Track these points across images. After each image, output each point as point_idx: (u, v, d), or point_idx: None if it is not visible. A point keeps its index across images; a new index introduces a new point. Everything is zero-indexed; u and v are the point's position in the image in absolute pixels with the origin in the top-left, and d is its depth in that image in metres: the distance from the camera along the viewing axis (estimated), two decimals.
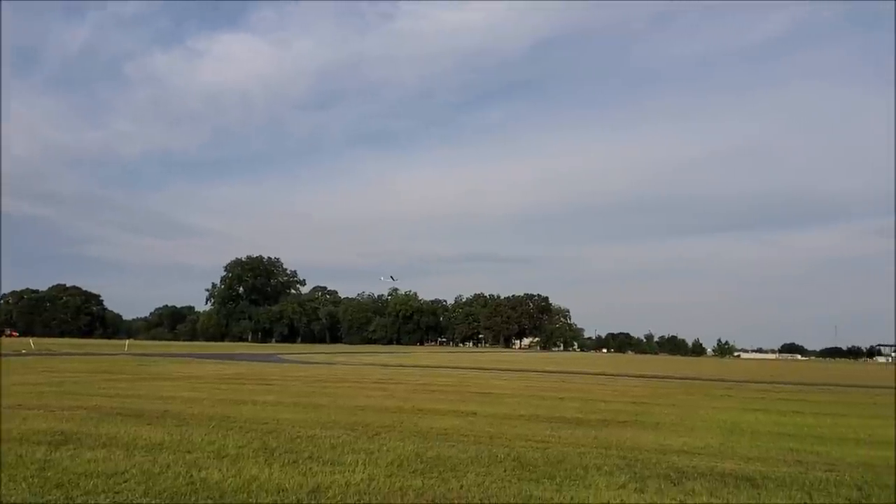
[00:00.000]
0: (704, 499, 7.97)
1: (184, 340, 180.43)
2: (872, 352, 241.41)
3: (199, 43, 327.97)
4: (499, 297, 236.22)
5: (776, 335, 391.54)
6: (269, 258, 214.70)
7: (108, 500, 7.17)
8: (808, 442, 13.07)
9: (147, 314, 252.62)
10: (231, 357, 55.48)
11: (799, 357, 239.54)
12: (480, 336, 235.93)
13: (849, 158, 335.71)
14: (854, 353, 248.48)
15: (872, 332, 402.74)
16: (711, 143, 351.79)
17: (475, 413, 15.97)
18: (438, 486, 8.11)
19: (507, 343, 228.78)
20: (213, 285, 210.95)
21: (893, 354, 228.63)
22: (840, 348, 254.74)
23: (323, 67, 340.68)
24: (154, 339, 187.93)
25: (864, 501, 8.11)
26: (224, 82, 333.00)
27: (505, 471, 9.12)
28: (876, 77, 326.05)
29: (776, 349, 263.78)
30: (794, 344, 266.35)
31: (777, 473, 9.66)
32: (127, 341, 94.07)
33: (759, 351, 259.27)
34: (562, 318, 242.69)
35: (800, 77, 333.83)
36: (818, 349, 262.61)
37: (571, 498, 7.78)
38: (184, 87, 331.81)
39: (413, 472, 8.90)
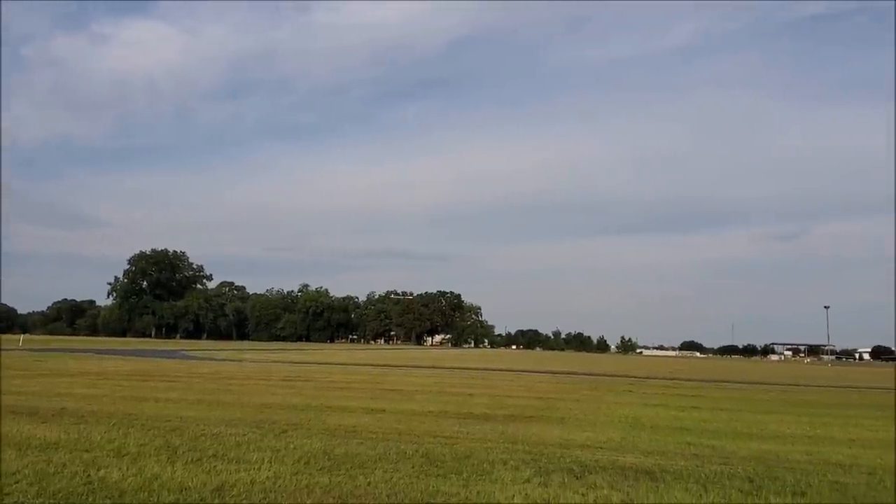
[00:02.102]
0: (605, 492, 8.20)
1: (84, 335, 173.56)
2: (766, 350, 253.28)
3: (105, 28, 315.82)
4: (411, 294, 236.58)
5: (676, 333, 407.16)
6: (175, 252, 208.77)
7: None
8: (704, 436, 13.55)
9: (44, 308, 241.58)
10: (133, 353, 53.61)
11: (697, 354, 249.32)
12: (392, 333, 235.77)
13: (750, 165, 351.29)
14: (749, 350, 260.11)
15: (767, 331, 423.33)
16: (619, 147, 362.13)
17: (384, 410, 15.95)
18: (346, 483, 8.08)
19: (419, 340, 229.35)
20: (116, 279, 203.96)
21: (786, 352, 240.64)
22: (736, 346, 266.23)
23: (234, 57, 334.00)
24: (52, 334, 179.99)
25: (755, 493, 8.48)
26: (130, 69, 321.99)
27: (413, 467, 9.16)
28: (777, 86, 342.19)
29: (676, 346, 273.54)
30: (693, 342, 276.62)
31: (675, 466, 10.01)
32: (21, 336, 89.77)
33: (660, 348, 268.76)
34: (473, 316, 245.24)
35: (704, 84, 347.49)
36: (716, 347, 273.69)
37: (478, 493, 7.88)
38: (87, 72, 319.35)
39: (320, 469, 8.84)
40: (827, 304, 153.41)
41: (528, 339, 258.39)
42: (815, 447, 12.61)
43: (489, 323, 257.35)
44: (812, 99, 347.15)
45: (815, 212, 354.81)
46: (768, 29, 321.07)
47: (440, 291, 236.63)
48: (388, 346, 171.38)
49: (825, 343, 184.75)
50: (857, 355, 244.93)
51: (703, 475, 9.41)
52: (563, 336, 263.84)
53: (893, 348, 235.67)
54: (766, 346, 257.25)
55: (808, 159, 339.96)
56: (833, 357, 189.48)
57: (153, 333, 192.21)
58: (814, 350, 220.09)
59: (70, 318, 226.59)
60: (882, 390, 35.90)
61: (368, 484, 8.09)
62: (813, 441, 13.51)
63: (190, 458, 9.21)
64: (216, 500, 7.18)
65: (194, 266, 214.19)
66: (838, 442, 13.55)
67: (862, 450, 12.47)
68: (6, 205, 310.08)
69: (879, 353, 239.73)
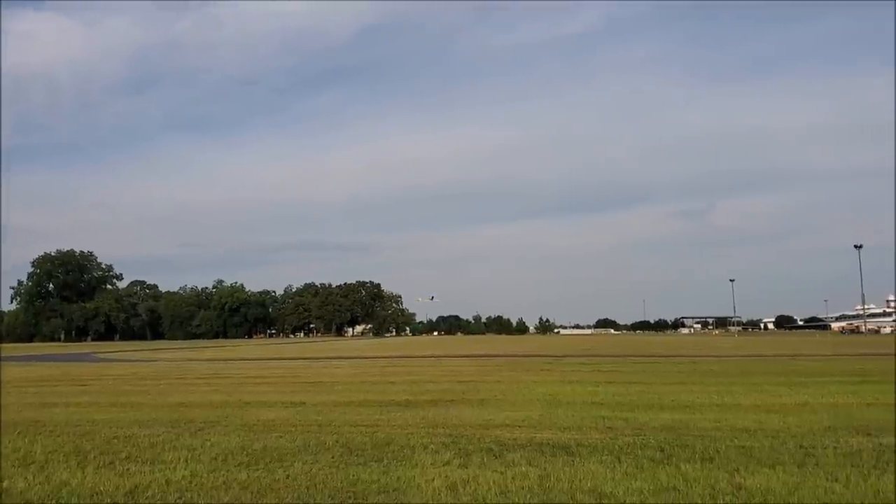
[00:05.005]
0: (523, 468, 8.37)
1: None
2: (677, 324, 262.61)
3: None
4: (330, 285, 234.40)
5: (591, 312, 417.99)
6: (82, 252, 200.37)
7: None
8: (618, 409, 13.95)
9: None
10: (41, 358, 51.43)
11: (612, 331, 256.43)
12: (312, 326, 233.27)
13: (655, 145, 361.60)
14: (661, 325, 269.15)
15: (677, 305, 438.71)
16: (530, 132, 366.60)
17: (304, 403, 15.81)
18: (264, 478, 8.00)
19: (340, 331, 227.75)
20: (19, 283, 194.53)
21: (696, 325, 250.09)
22: (648, 321, 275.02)
23: (138, 50, 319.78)
24: None
25: (665, 461, 8.80)
26: (26, 64, 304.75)
27: (333, 457, 9.14)
28: (679, 68, 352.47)
29: (592, 325, 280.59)
30: (607, 319, 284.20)
31: (590, 440, 10.30)
32: None
33: (577, 327, 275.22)
34: (394, 304, 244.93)
35: (609, 68, 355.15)
36: (629, 323, 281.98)
37: (398, 478, 7.93)
38: None
39: (238, 465, 8.73)
40: (732, 278, 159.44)
41: (450, 325, 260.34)
42: (723, 414, 13.14)
43: (410, 311, 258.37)
44: (713, 79, 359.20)
45: (719, 189, 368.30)
46: (670, 12, 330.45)
47: (360, 281, 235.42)
48: (308, 339, 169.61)
49: (732, 315, 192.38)
50: (761, 325, 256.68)
51: (616, 447, 9.71)
52: (483, 320, 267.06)
53: (797, 318, 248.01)
54: (676, 320, 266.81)
55: (710, 138, 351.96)
56: (739, 328, 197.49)
57: (62, 337, 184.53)
58: (721, 322, 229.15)
59: None
60: (785, 357, 37.76)
61: (287, 477, 8.04)
62: (720, 409, 14.07)
63: (101, 463, 8.96)
64: (130, 503, 7.01)
65: (103, 266, 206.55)
66: (744, 408, 14.16)
67: (766, 415, 13.06)
68: None
69: (782, 322, 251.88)
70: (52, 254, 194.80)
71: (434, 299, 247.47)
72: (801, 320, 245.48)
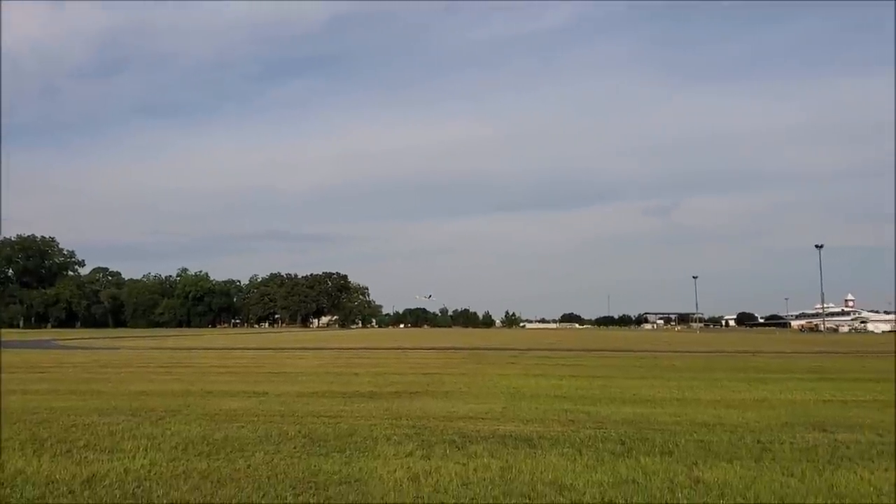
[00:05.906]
0: (485, 460, 8.41)
1: None
2: (640, 319, 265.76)
3: None
4: (296, 276, 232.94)
5: (557, 306, 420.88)
6: (43, 237, 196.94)
7: None
8: (580, 402, 14.07)
9: None
10: None
11: (576, 326, 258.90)
12: (277, 316, 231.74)
13: (625, 143, 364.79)
14: (624, 320, 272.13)
15: (640, 301, 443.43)
16: (501, 126, 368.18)
17: (267, 393, 15.71)
18: (224, 467, 7.94)
19: (305, 322, 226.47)
20: None
21: (658, 321, 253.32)
22: (612, 317, 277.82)
23: (105, 33, 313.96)
24: None
25: (625, 454, 8.89)
26: None
27: (295, 448, 9.10)
28: (652, 70, 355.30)
29: (557, 319, 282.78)
30: (572, 314, 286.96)
31: (552, 433, 10.37)
32: None
33: (542, 321, 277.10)
34: (361, 296, 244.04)
35: (580, 67, 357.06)
36: (593, 318, 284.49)
37: (360, 469, 7.92)
38: None
39: (198, 454, 8.65)
40: (695, 275, 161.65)
41: (416, 318, 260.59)
42: (683, 409, 13.31)
43: (377, 303, 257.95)
44: (685, 79, 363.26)
45: (686, 187, 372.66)
46: (643, 12, 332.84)
47: (326, 272, 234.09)
48: (272, 330, 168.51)
49: (694, 311, 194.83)
50: (723, 322, 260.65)
51: (577, 439, 9.79)
52: (449, 313, 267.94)
53: (758, 316, 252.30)
54: (639, 315, 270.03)
55: (681, 137, 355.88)
56: (701, 324, 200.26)
57: (21, 324, 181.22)
58: (683, 318, 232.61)
59: None
60: (745, 354, 38.35)
61: (248, 467, 7.98)
62: (681, 403, 14.26)
63: (59, 451, 8.82)
64: (86, 492, 6.90)
65: (65, 252, 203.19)
66: (704, 403, 14.34)
67: (725, 410, 13.25)
68: None
69: (743, 319, 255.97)
70: (13, 239, 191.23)
71: (431, 297, 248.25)
72: (761, 318, 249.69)
